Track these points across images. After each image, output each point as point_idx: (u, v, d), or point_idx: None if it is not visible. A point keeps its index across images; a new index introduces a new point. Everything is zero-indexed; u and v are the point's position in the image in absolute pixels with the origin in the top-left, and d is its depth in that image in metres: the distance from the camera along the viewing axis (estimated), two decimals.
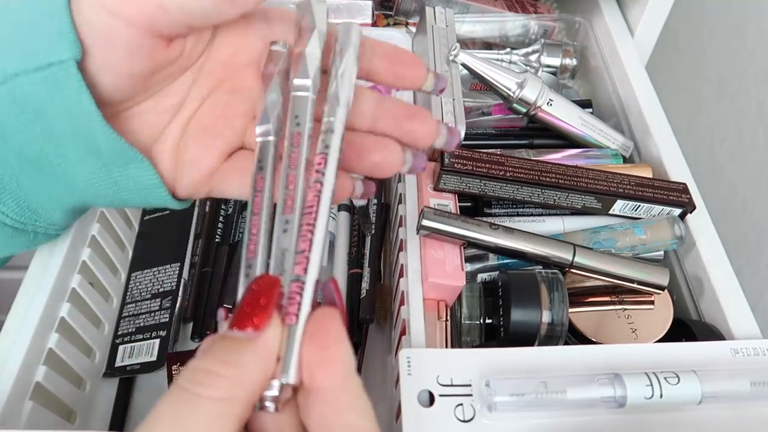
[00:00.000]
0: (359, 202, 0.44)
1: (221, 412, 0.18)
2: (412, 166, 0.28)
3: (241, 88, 0.27)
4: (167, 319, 0.41)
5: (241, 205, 0.48)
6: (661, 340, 0.33)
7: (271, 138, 0.25)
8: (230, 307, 0.42)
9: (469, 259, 0.36)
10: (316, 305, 0.21)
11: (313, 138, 0.24)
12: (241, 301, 0.20)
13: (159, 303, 0.42)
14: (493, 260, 0.36)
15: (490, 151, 0.38)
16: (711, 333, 0.32)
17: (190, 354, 0.38)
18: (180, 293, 0.42)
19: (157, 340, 0.40)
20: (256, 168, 0.24)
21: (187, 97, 0.26)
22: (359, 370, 0.41)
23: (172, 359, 0.37)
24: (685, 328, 0.33)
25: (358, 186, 0.28)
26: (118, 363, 0.40)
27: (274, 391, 0.19)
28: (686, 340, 0.32)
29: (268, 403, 0.19)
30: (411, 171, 0.28)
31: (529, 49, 0.50)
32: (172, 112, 0.26)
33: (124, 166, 0.25)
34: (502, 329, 0.32)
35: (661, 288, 0.33)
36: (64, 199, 0.27)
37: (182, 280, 0.43)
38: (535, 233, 0.33)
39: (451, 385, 0.27)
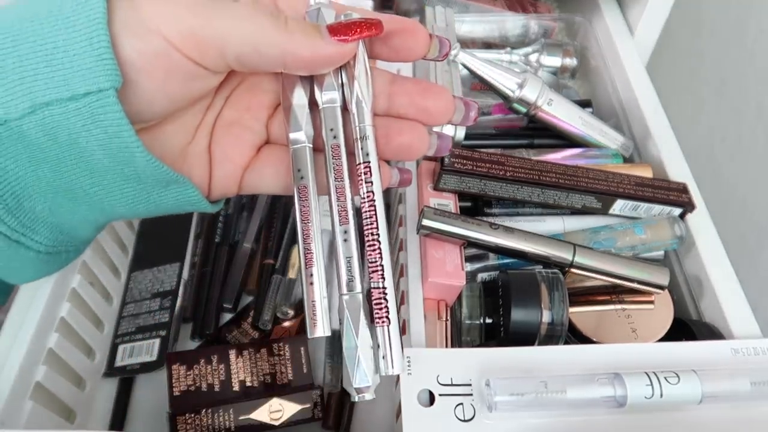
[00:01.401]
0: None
1: None
2: (438, 147, 0.27)
3: (261, 80, 0.27)
4: (167, 319, 0.41)
5: (241, 205, 0.48)
6: (661, 340, 0.33)
7: (304, 144, 0.25)
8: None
9: (469, 259, 0.36)
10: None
11: (346, 141, 0.25)
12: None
13: (159, 303, 0.42)
14: (493, 260, 0.36)
15: (490, 150, 0.38)
16: (711, 333, 0.32)
17: (190, 354, 0.38)
18: (180, 293, 0.42)
19: (157, 340, 0.40)
20: (296, 177, 0.25)
21: (215, 98, 0.26)
22: None
23: (172, 359, 0.37)
24: (685, 327, 0.33)
25: (395, 174, 0.28)
26: (118, 363, 0.40)
27: (377, 380, 0.23)
28: (686, 340, 0.32)
29: (364, 394, 0.23)
30: (437, 153, 0.27)
31: (529, 49, 0.50)
32: (202, 113, 0.26)
33: (164, 188, 0.25)
34: (502, 329, 0.32)
35: (662, 288, 0.33)
36: (99, 219, 0.27)
37: (182, 280, 0.43)
38: (535, 233, 0.33)
39: (451, 385, 0.27)
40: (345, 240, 0.24)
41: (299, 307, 0.42)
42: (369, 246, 0.24)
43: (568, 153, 0.41)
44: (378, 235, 0.24)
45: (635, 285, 0.33)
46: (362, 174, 0.24)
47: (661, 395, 0.26)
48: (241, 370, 0.37)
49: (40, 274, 0.28)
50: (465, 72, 0.41)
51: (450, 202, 0.35)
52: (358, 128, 0.25)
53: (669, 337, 0.33)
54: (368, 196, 0.24)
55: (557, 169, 0.36)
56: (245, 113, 0.27)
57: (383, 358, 0.23)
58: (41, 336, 0.33)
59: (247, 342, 0.41)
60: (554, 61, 0.49)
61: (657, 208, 0.37)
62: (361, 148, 0.25)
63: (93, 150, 0.22)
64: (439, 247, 0.33)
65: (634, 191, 0.36)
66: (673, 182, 0.38)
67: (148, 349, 0.40)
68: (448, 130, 0.37)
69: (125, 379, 0.40)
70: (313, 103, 0.26)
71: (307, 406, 0.36)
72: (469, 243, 0.32)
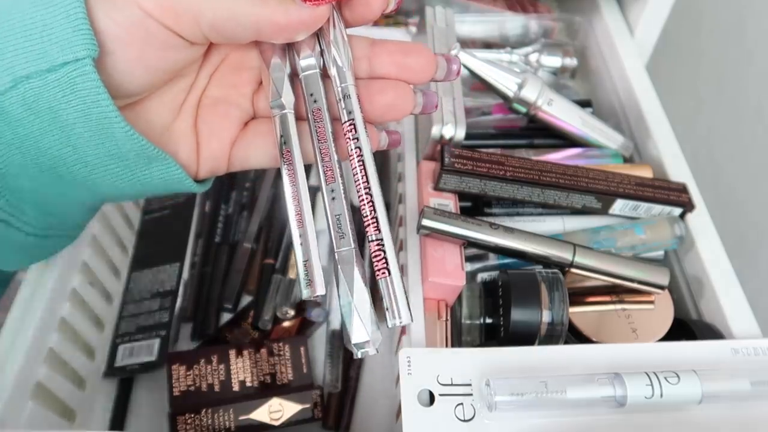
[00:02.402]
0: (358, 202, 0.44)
1: None
2: (424, 105, 0.27)
3: (245, 58, 0.27)
4: (167, 319, 0.41)
5: (241, 205, 0.48)
6: (661, 340, 0.33)
7: (286, 111, 0.25)
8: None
9: (469, 259, 0.36)
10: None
11: (330, 107, 0.25)
12: None
13: (159, 303, 0.42)
14: (493, 260, 0.36)
15: (490, 150, 0.38)
16: (711, 333, 0.32)
17: (190, 354, 0.38)
18: (180, 293, 0.42)
19: (157, 340, 0.40)
20: (280, 143, 0.25)
21: (198, 76, 0.27)
22: (358, 369, 0.41)
23: (172, 359, 0.37)
24: (685, 327, 0.33)
25: (383, 138, 0.28)
26: (118, 363, 0.40)
27: (377, 335, 0.22)
28: (686, 340, 0.32)
29: (366, 350, 0.22)
30: (424, 110, 0.27)
31: (529, 49, 0.50)
32: (186, 91, 0.26)
33: (147, 166, 0.25)
34: (502, 329, 0.32)
35: (662, 287, 0.33)
36: (86, 200, 0.27)
37: (182, 280, 0.43)
38: (535, 233, 0.33)
39: (452, 385, 0.27)
40: (333, 198, 0.24)
41: (299, 307, 0.43)
42: (361, 200, 0.23)
43: (568, 153, 0.41)
44: (369, 188, 0.23)
45: (635, 285, 0.33)
46: (348, 132, 0.24)
47: (661, 395, 0.26)
48: (241, 370, 0.37)
49: (31, 260, 0.28)
50: (465, 72, 0.41)
51: (450, 202, 0.35)
52: (339, 89, 0.25)
53: (669, 337, 0.33)
54: (356, 152, 0.24)
55: (557, 169, 0.36)
56: (231, 90, 0.27)
57: (387, 310, 0.22)
58: (41, 336, 0.33)
59: (247, 342, 0.41)
60: (554, 61, 0.49)
61: (657, 208, 0.37)
62: (344, 107, 0.25)
63: (74, 123, 0.22)
64: (438, 246, 0.33)
65: (634, 191, 0.36)
66: (673, 182, 0.38)
67: (148, 349, 0.40)
68: (448, 131, 0.37)
69: (125, 379, 0.40)
70: (294, 75, 0.26)
71: (307, 406, 0.36)
72: (469, 243, 0.32)
